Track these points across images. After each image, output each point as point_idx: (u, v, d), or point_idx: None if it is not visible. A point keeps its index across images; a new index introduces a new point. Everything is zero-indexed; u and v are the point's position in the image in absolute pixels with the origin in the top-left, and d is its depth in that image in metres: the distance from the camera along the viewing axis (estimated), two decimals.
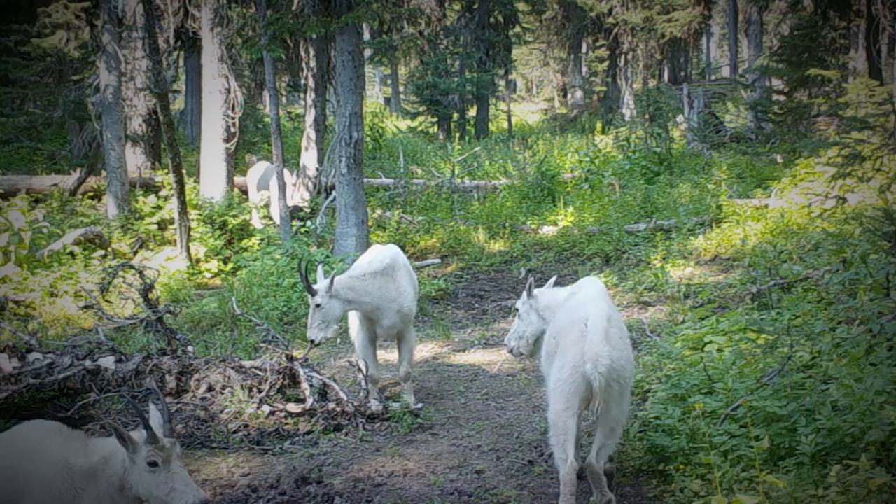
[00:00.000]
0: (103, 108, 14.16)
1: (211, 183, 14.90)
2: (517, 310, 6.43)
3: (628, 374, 5.17)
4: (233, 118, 14.85)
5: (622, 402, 5.12)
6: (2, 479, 3.84)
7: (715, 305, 9.05)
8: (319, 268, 7.29)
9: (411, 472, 5.96)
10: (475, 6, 26.85)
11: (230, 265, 12.67)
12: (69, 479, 3.88)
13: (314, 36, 14.45)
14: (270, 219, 14.31)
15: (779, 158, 16.29)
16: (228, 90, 14.81)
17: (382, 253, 7.40)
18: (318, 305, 6.81)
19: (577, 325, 5.06)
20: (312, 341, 6.93)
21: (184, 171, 12.78)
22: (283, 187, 12.47)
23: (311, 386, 6.99)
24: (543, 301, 6.16)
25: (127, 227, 13.39)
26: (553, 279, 6.71)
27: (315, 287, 6.86)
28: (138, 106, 16.16)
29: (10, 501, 3.83)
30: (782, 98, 18.11)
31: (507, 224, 13.70)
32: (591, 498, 5.23)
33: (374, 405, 7.02)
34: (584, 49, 33.46)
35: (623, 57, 29.27)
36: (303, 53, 17.48)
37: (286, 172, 14.72)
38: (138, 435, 3.94)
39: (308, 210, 14.64)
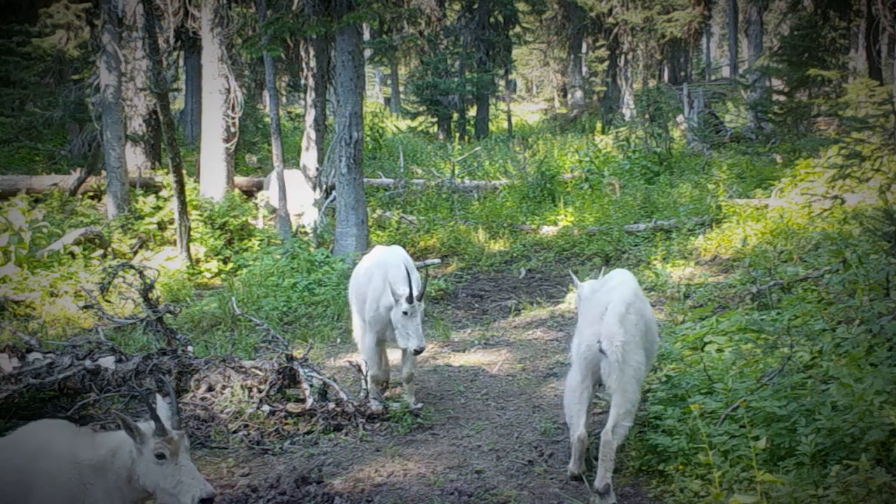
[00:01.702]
0: (103, 108, 14.16)
1: (211, 183, 14.90)
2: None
3: (641, 359, 5.51)
4: (233, 118, 14.86)
5: (636, 386, 5.48)
6: (12, 478, 3.85)
7: (715, 305, 9.05)
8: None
9: (411, 472, 5.96)
10: (475, 6, 26.86)
11: (230, 265, 12.67)
12: (78, 474, 3.88)
13: (314, 36, 14.44)
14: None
15: (778, 158, 16.29)
16: (228, 90, 14.82)
17: (396, 258, 7.27)
18: (424, 309, 6.76)
19: (599, 307, 5.59)
20: (423, 348, 6.80)
21: (184, 171, 12.78)
22: (282, 187, 12.47)
23: (311, 386, 6.99)
24: (584, 294, 6.45)
25: (127, 227, 13.39)
26: (603, 269, 6.94)
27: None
28: (138, 106, 16.17)
29: (21, 500, 3.84)
30: (782, 98, 18.11)
31: (507, 224, 13.69)
32: (591, 498, 5.26)
33: (374, 405, 7.01)
34: (584, 49, 33.47)
35: (623, 57, 29.28)
36: (303, 53, 17.48)
37: (305, 182, 14.63)
38: (146, 426, 3.94)
39: None
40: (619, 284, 5.89)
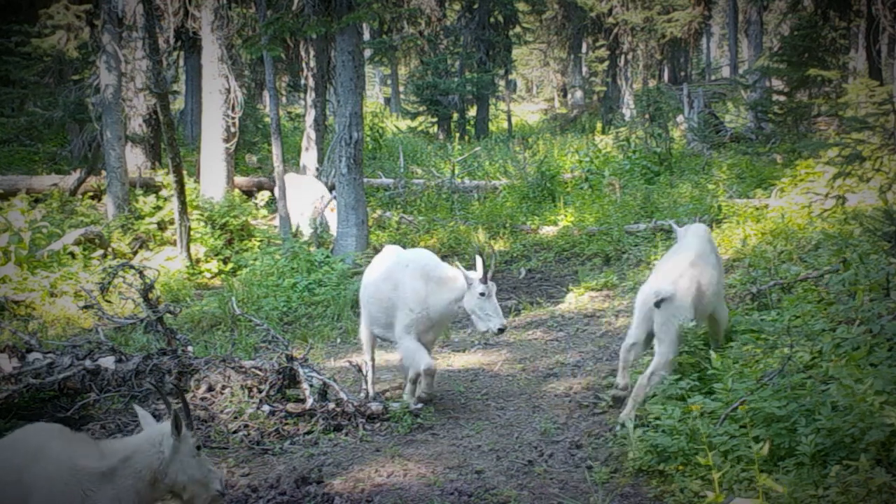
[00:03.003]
0: (103, 109, 14.16)
1: (211, 183, 14.91)
2: None
3: (683, 319, 6.36)
4: (233, 118, 14.87)
5: (676, 342, 6.38)
6: (12, 478, 3.84)
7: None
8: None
9: (411, 472, 5.96)
10: (475, 6, 26.87)
11: (230, 265, 12.66)
12: (76, 481, 3.88)
13: (314, 36, 14.46)
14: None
15: (778, 159, 16.29)
16: (228, 90, 14.83)
17: (429, 257, 7.24)
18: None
19: (660, 268, 6.75)
20: (506, 327, 6.83)
21: (184, 171, 12.78)
22: (282, 187, 12.47)
23: (311, 386, 6.98)
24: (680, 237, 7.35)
25: (127, 227, 13.38)
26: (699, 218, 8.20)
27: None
28: (138, 106, 16.17)
29: (21, 501, 3.83)
30: (782, 98, 18.10)
31: (507, 224, 13.69)
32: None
33: (374, 405, 7.01)
34: (584, 49, 33.47)
35: (623, 57, 29.29)
36: (303, 53, 17.50)
37: (322, 186, 14.55)
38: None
39: None
40: (679, 251, 6.89)
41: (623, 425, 5.98)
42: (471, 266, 7.29)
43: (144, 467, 4.01)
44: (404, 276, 7.08)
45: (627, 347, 6.57)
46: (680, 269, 6.51)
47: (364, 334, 7.67)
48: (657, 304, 6.26)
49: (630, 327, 6.71)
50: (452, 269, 6.99)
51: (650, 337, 6.53)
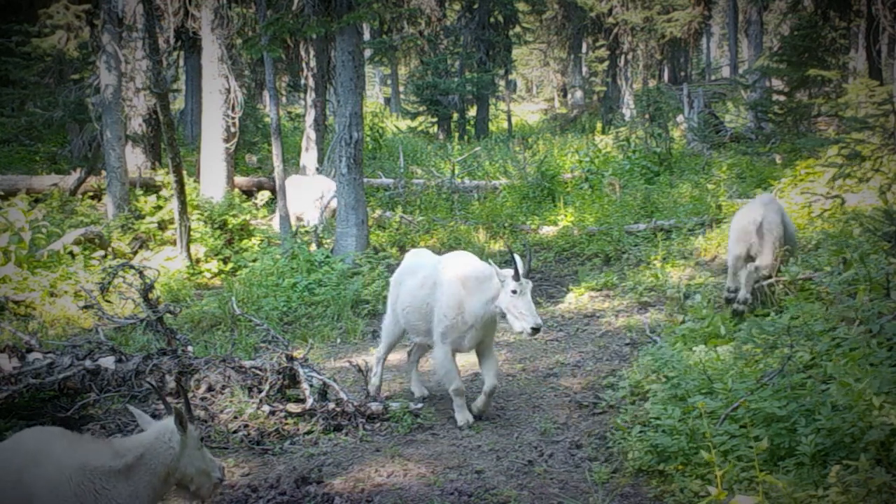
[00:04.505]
0: (103, 109, 14.16)
1: (211, 183, 14.90)
2: None
3: (778, 234, 8.23)
4: (233, 118, 14.86)
5: (772, 250, 8.20)
6: (12, 479, 3.83)
7: (715, 305, 9.05)
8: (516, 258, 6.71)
9: (411, 472, 5.96)
10: (475, 6, 26.87)
11: (230, 265, 12.65)
12: (88, 480, 3.88)
13: (314, 36, 14.45)
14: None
15: (778, 159, 16.29)
16: (228, 90, 14.82)
17: (466, 257, 7.11)
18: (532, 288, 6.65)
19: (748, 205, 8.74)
20: (541, 326, 6.56)
21: (184, 171, 12.76)
22: (283, 188, 12.47)
23: (311, 386, 6.98)
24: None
25: (127, 227, 13.37)
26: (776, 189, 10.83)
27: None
28: (138, 106, 16.17)
29: (23, 502, 3.82)
30: (782, 98, 18.10)
31: (507, 224, 13.69)
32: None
33: (374, 405, 7.01)
34: (584, 49, 33.49)
35: (623, 57, 29.30)
36: (303, 53, 17.51)
37: (325, 187, 14.51)
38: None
39: None
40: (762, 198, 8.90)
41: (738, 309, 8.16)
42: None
43: (159, 464, 4.10)
44: (441, 278, 6.91)
45: (734, 270, 8.45)
46: (765, 203, 8.45)
47: (386, 340, 7.54)
48: (756, 229, 8.11)
49: (728, 262, 8.63)
50: (488, 268, 6.74)
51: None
